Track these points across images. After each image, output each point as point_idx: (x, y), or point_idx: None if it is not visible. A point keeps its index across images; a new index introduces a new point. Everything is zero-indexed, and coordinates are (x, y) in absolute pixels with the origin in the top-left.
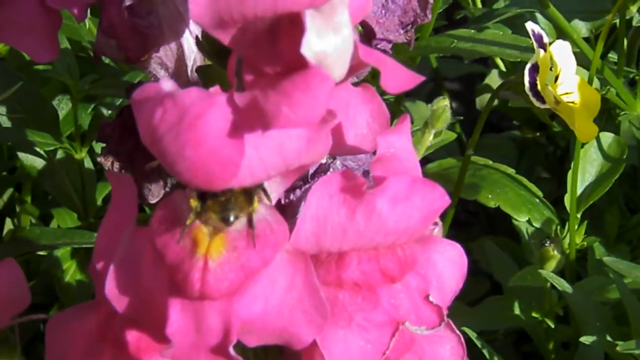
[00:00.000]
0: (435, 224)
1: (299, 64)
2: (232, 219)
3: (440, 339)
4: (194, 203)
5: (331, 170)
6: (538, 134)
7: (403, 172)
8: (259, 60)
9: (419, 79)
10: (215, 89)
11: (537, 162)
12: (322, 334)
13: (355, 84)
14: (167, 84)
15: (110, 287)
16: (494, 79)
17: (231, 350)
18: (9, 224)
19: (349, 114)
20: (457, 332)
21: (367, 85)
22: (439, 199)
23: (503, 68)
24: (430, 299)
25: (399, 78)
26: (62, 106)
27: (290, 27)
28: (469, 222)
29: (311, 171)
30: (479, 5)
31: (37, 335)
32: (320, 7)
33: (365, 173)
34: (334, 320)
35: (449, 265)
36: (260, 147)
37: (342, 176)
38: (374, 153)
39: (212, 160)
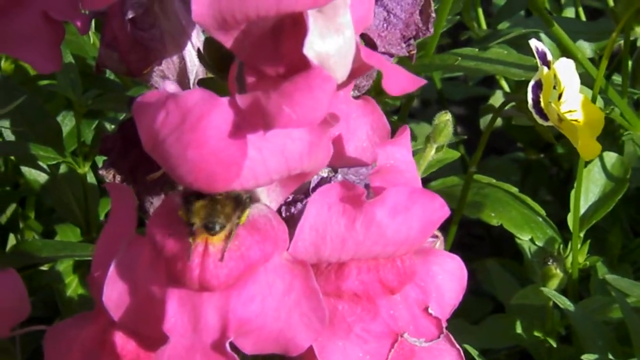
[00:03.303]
0: (437, 237)
1: (301, 65)
2: (217, 227)
3: (439, 352)
4: (181, 212)
5: None
6: (542, 155)
7: (402, 183)
8: (261, 62)
9: (420, 82)
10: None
11: (541, 184)
12: (321, 345)
13: (357, 98)
14: (171, 86)
15: (108, 295)
16: (498, 100)
17: (227, 348)
18: (12, 240)
19: (349, 126)
20: (457, 345)
21: (367, 98)
22: (439, 209)
23: (507, 89)
24: (430, 311)
25: (401, 80)
26: (66, 122)
27: (292, 28)
28: (474, 245)
29: (312, 185)
30: (484, 26)
31: (37, 350)
32: (323, 8)
33: (367, 187)
34: (332, 331)
35: (448, 277)
36: (263, 149)
37: (341, 186)
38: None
39: (214, 162)
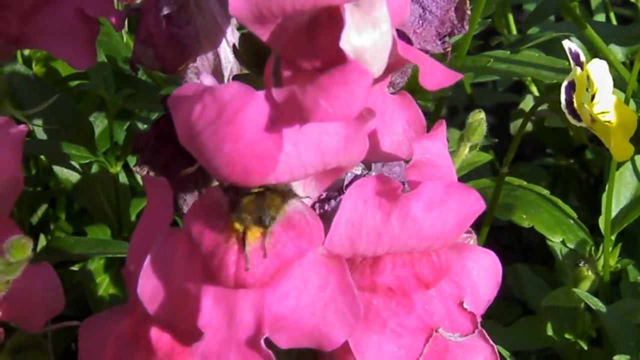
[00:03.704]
0: (470, 233)
1: (338, 59)
2: (267, 221)
3: (473, 349)
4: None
5: None
6: (572, 161)
7: (438, 177)
8: (297, 56)
9: (456, 76)
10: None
11: (571, 190)
12: (356, 339)
13: (392, 94)
14: (207, 79)
15: (143, 287)
16: (528, 104)
17: (262, 344)
18: (42, 241)
19: (385, 120)
20: (491, 342)
21: (403, 93)
22: (475, 203)
23: (537, 94)
24: (465, 306)
25: (438, 75)
26: (98, 123)
27: (329, 22)
28: (503, 253)
29: (346, 182)
30: (514, 31)
31: (68, 349)
32: (360, 2)
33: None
34: (367, 325)
35: (483, 273)
36: (298, 143)
37: (377, 180)
38: (408, 162)
39: (250, 155)
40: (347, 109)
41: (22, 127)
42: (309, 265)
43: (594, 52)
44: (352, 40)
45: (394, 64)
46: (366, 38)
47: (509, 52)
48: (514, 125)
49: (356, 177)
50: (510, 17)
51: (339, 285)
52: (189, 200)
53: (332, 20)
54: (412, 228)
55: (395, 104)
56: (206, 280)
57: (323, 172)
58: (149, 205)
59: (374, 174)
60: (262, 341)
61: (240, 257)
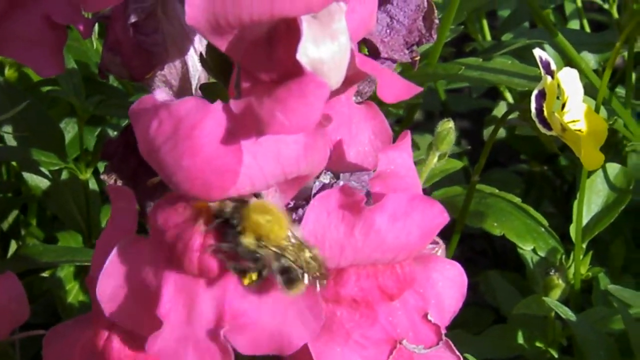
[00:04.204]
0: (437, 243)
1: (295, 71)
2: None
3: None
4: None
5: None
6: (545, 167)
7: (403, 188)
8: (255, 67)
9: (415, 89)
10: (217, 102)
11: (544, 196)
12: (319, 350)
13: (359, 104)
14: (162, 94)
15: (102, 289)
16: (501, 111)
17: (222, 337)
18: (13, 247)
19: (351, 130)
20: (457, 353)
21: (370, 103)
22: (438, 215)
23: (511, 100)
24: (429, 317)
25: (396, 87)
26: (69, 129)
27: (287, 33)
28: (476, 260)
29: (314, 191)
30: (489, 38)
31: (37, 355)
32: (318, 14)
33: (369, 193)
34: (331, 337)
35: (448, 284)
36: (258, 155)
37: (340, 192)
38: None
39: (209, 170)
40: (304, 122)
41: None
42: None
43: (567, 59)
44: (309, 52)
45: (353, 76)
46: (324, 50)
47: (481, 59)
48: (487, 132)
49: (324, 187)
50: (485, 23)
51: None
52: None
53: (290, 32)
54: (376, 241)
55: (362, 114)
56: (168, 268)
57: (285, 181)
58: (113, 215)
59: (342, 182)
60: (221, 334)
61: (206, 241)
